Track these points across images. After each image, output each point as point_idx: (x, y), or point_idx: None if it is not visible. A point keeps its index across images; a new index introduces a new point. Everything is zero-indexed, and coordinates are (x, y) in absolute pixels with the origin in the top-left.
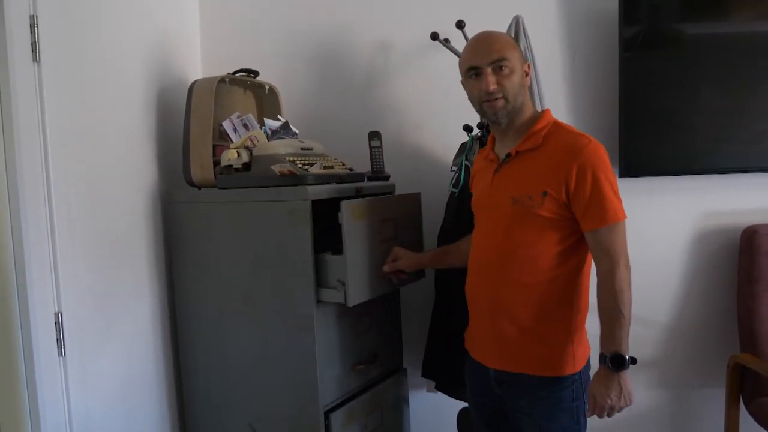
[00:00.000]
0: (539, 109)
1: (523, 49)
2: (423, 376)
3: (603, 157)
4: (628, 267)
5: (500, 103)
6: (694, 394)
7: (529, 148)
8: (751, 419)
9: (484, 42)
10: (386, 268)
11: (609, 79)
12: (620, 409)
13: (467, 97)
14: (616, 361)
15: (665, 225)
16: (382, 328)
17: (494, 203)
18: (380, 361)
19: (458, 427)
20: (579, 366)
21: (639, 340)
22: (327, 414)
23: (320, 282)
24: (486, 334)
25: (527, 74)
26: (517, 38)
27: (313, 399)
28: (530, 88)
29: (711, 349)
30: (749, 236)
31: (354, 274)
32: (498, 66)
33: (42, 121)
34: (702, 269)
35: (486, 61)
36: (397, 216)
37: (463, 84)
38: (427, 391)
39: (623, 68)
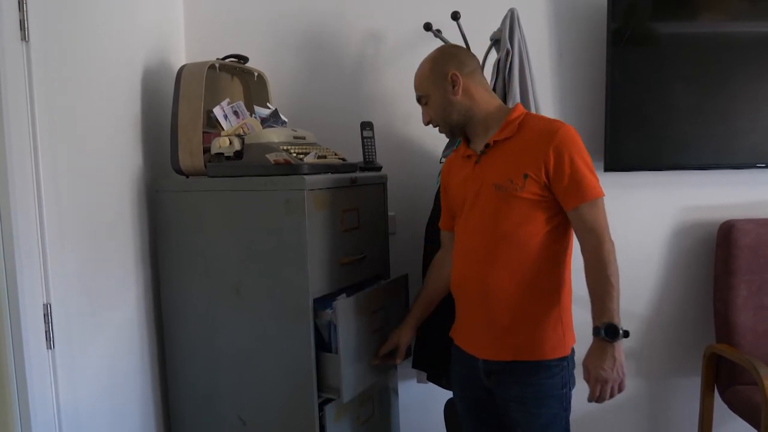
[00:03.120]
0: (532, 100)
1: (517, 42)
2: (414, 367)
3: (576, 138)
4: (612, 242)
5: (438, 128)
6: (671, 383)
7: (505, 137)
8: (724, 407)
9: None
10: (381, 352)
11: (596, 74)
12: (615, 385)
13: None
14: (610, 331)
15: (645, 219)
16: (379, 322)
17: (477, 193)
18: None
19: (445, 419)
20: (568, 349)
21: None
22: (321, 406)
23: None
24: (476, 325)
25: (456, 83)
26: (511, 31)
27: (308, 391)
28: (523, 81)
29: (688, 339)
30: (726, 230)
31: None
32: (421, 102)
33: (31, 102)
34: (680, 262)
35: (416, 98)
36: (358, 205)
37: None
38: (418, 381)
39: (611, 64)
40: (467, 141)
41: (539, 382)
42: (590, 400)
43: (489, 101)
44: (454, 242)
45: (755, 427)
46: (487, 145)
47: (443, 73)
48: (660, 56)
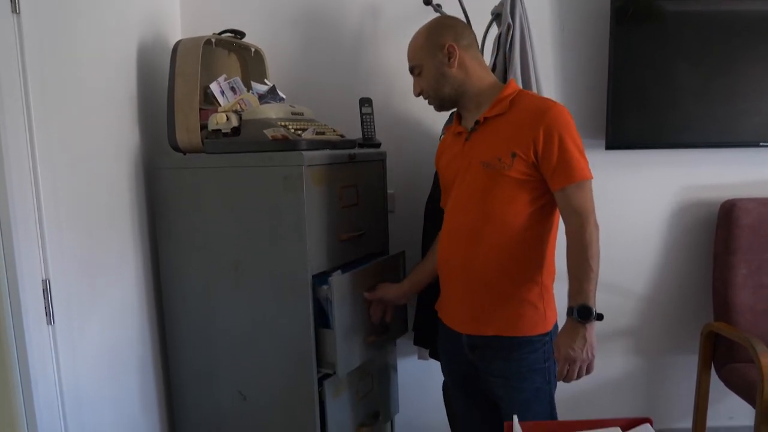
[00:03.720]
0: (533, 76)
1: (518, 17)
2: (415, 344)
3: (567, 118)
4: (596, 225)
5: (428, 100)
6: (669, 361)
7: (496, 114)
8: (720, 384)
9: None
10: (367, 295)
11: (599, 50)
12: (584, 366)
13: None
14: (582, 313)
15: (647, 197)
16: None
17: (465, 169)
18: (383, 332)
19: (444, 394)
20: (549, 325)
21: (617, 310)
22: (320, 381)
23: None
24: (458, 300)
25: (451, 55)
26: (513, 5)
27: (307, 367)
28: (524, 57)
29: (686, 317)
30: (728, 209)
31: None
32: (414, 73)
33: (23, 76)
34: (680, 241)
35: (409, 70)
36: (357, 182)
37: None
38: (419, 358)
39: (613, 40)
40: (459, 118)
41: (521, 357)
42: (558, 379)
43: (483, 77)
44: (445, 217)
45: (750, 404)
46: (477, 122)
47: (439, 44)
48: (664, 34)
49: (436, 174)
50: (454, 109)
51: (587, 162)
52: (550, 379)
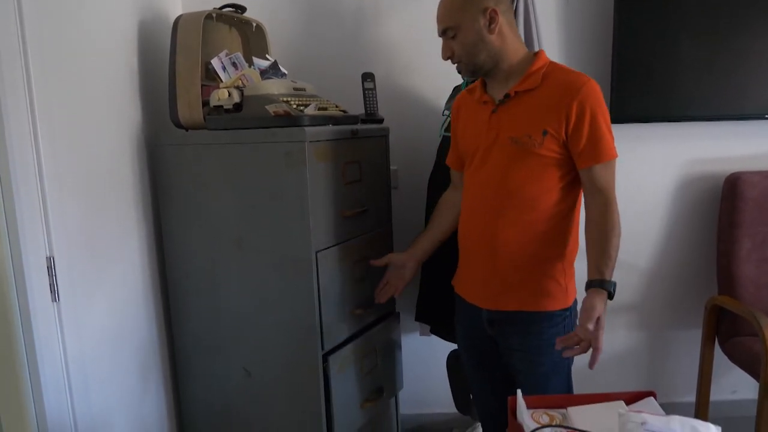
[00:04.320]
0: (537, 48)
1: None
2: (417, 320)
3: (600, 95)
4: (617, 209)
5: (459, 66)
6: (672, 335)
7: (527, 89)
8: (724, 358)
9: (437, 11)
10: (373, 262)
11: (603, 23)
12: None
13: None
14: (613, 288)
15: (651, 171)
16: (376, 272)
17: (492, 144)
18: (374, 306)
19: (448, 370)
20: (570, 300)
21: (621, 284)
22: (325, 357)
23: None
24: (480, 275)
25: (493, 20)
26: None
27: (312, 343)
28: (528, 29)
29: (690, 291)
30: (732, 183)
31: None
32: (447, 36)
33: (24, 54)
34: (685, 214)
35: (439, 31)
36: (360, 158)
37: None
38: (421, 334)
39: (618, 13)
40: (484, 84)
41: (541, 332)
42: (582, 351)
43: (518, 48)
44: (463, 190)
45: (754, 377)
46: (507, 96)
47: (482, 6)
48: (667, 7)
49: (439, 150)
50: (458, 84)
51: (613, 139)
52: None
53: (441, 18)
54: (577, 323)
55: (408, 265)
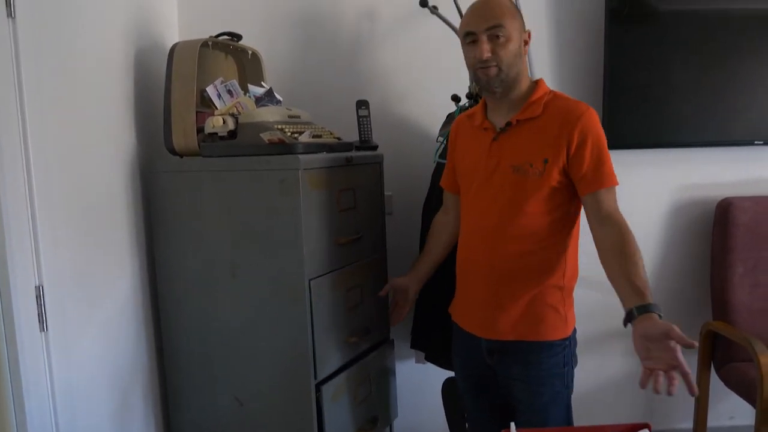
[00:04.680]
0: (530, 77)
1: None
2: (412, 347)
3: (599, 123)
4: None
5: (493, 71)
6: None
7: (528, 117)
8: (721, 384)
9: (482, 7)
10: (381, 293)
11: (595, 51)
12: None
13: (465, 62)
14: (659, 308)
15: (644, 197)
16: (371, 299)
17: (492, 170)
18: (369, 333)
19: (443, 398)
20: (570, 330)
21: (615, 309)
22: (318, 387)
23: None
24: (480, 304)
25: (527, 43)
26: None
27: (305, 372)
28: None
29: (685, 317)
30: (724, 208)
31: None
32: (494, 34)
33: (18, 80)
34: (678, 240)
35: (482, 28)
36: (354, 185)
37: (462, 49)
38: (416, 362)
39: (609, 41)
40: (484, 110)
41: (541, 361)
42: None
43: (527, 76)
44: (460, 218)
45: (750, 404)
46: (509, 123)
47: (522, 23)
48: (658, 33)
49: (434, 176)
50: (452, 111)
51: (612, 167)
52: (568, 383)
53: (494, 15)
54: (648, 356)
55: (411, 288)
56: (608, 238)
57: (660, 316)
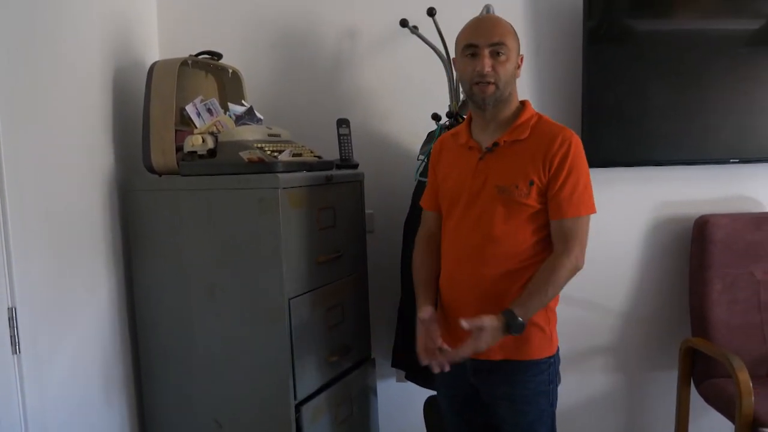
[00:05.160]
0: None
1: None
2: (393, 366)
3: (582, 150)
4: (580, 264)
5: (491, 88)
6: (648, 377)
7: (515, 139)
8: (701, 400)
9: (487, 23)
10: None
11: (573, 71)
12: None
13: (457, 76)
14: (518, 328)
15: (622, 215)
16: (352, 318)
17: (478, 191)
18: (349, 352)
19: (425, 417)
20: (555, 348)
21: (596, 327)
22: (298, 407)
23: None
24: None
25: (519, 66)
26: None
27: (284, 392)
28: None
29: (664, 334)
30: (701, 225)
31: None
32: (496, 51)
33: None
34: (656, 257)
35: (486, 42)
36: (335, 203)
37: (455, 62)
38: (397, 381)
39: (587, 61)
40: (469, 129)
41: (527, 380)
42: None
43: (516, 98)
44: (443, 237)
45: (730, 420)
46: (496, 144)
47: (519, 47)
48: (636, 53)
49: (415, 194)
50: (433, 130)
51: (592, 195)
52: (552, 401)
53: (499, 32)
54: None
55: (435, 316)
56: (554, 253)
57: (509, 324)
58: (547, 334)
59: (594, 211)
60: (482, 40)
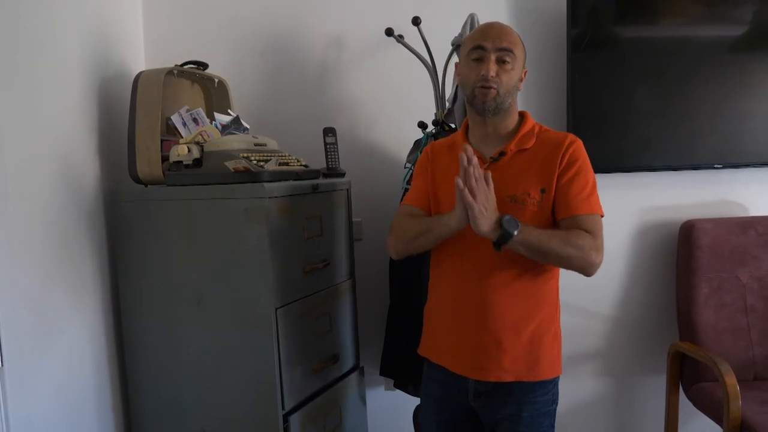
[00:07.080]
0: None
1: None
2: (381, 374)
3: (585, 153)
4: (599, 260)
5: (492, 92)
6: (637, 382)
7: (521, 148)
8: (689, 404)
9: (499, 28)
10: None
11: (558, 78)
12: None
13: (459, 80)
14: (506, 237)
15: (609, 220)
16: (340, 327)
17: None
18: (338, 361)
19: (414, 424)
20: (560, 367)
21: (584, 332)
22: (286, 417)
23: None
24: (471, 344)
25: (522, 80)
26: None
27: (271, 402)
28: None
29: (652, 338)
30: (687, 230)
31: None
32: (503, 57)
33: None
34: (643, 262)
35: (494, 46)
36: (322, 212)
37: (458, 66)
38: (386, 389)
39: (571, 68)
40: (465, 137)
41: (534, 400)
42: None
43: (517, 110)
44: (441, 252)
45: (718, 424)
46: (502, 153)
47: (525, 60)
48: (619, 60)
49: (402, 197)
50: (419, 138)
51: (598, 199)
52: (553, 421)
53: (509, 40)
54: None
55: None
56: (581, 234)
57: (502, 225)
58: (554, 353)
59: (603, 214)
60: (491, 44)
